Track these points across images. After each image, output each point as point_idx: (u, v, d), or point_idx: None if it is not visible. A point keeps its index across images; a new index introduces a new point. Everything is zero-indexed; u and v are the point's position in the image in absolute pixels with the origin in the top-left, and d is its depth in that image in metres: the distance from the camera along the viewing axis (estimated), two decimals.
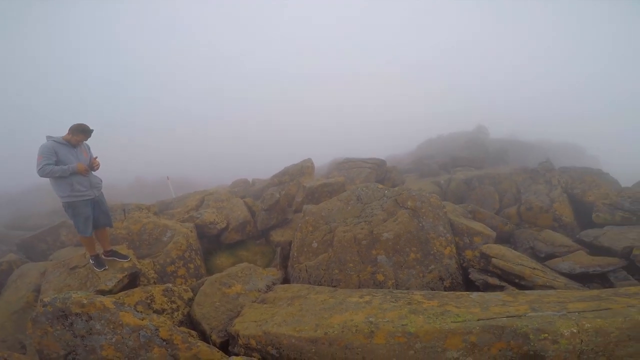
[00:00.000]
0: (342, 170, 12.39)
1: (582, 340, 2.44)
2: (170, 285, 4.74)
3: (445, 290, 4.95)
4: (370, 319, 3.12)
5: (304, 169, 11.54)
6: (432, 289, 4.95)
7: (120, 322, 3.38)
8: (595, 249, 6.04)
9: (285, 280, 5.95)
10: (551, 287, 4.29)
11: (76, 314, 3.41)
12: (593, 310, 2.67)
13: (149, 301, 4.38)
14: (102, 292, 4.62)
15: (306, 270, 5.65)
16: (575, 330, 2.47)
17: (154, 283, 5.47)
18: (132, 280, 5.26)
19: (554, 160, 10.91)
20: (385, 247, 5.23)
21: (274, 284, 5.47)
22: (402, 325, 2.90)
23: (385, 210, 5.81)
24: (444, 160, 15.35)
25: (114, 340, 3.32)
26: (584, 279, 5.13)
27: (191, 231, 6.74)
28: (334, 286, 5.17)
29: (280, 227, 7.89)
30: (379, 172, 11.92)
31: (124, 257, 5.42)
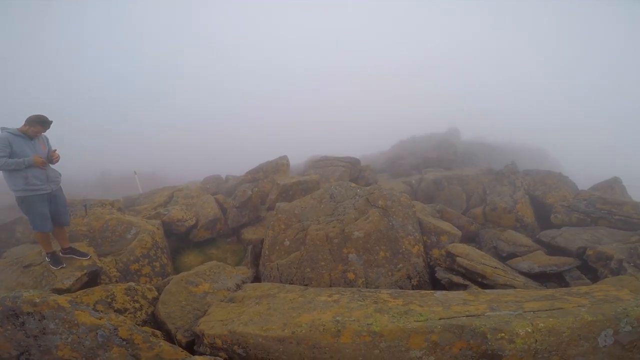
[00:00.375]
0: (317, 168, 12.39)
1: (536, 340, 2.55)
2: (133, 284, 4.59)
3: (413, 289, 5.07)
4: (337, 318, 3.14)
5: (279, 166, 11.46)
6: (401, 287, 5.05)
7: (76, 322, 3.24)
8: (552, 249, 6.38)
9: (257, 279, 5.89)
10: (511, 286, 4.48)
11: (28, 313, 3.23)
12: (547, 310, 2.80)
13: (109, 300, 4.22)
14: (59, 291, 4.41)
15: (277, 269, 5.61)
16: (529, 330, 2.58)
17: (116, 282, 5.27)
18: (93, 279, 5.05)
19: (519, 163, 11.38)
20: (356, 246, 5.29)
21: (244, 282, 5.40)
22: (368, 324, 2.94)
23: (357, 209, 5.86)
24: (416, 161, 15.67)
25: (69, 340, 3.19)
26: (542, 278, 5.40)
27: (157, 228, 6.53)
28: (306, 285, 5.17)
29: (252, 224, 7.79)
30: (353, 170, 12.02)
31: (84, 254, 5.18)
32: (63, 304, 3.32)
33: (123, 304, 4.27)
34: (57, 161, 4.73)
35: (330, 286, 5.06)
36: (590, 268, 5.54)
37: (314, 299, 3.75)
